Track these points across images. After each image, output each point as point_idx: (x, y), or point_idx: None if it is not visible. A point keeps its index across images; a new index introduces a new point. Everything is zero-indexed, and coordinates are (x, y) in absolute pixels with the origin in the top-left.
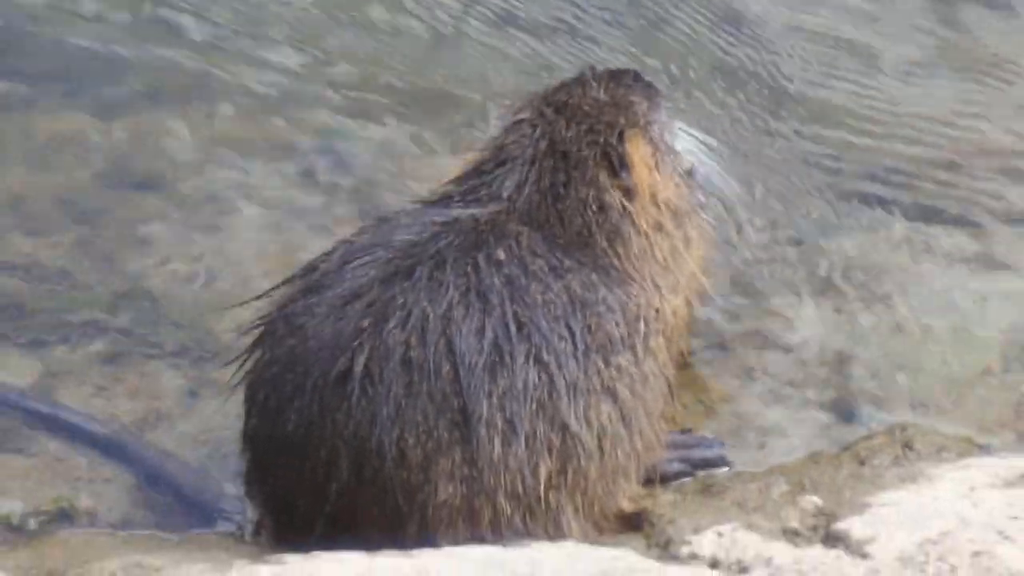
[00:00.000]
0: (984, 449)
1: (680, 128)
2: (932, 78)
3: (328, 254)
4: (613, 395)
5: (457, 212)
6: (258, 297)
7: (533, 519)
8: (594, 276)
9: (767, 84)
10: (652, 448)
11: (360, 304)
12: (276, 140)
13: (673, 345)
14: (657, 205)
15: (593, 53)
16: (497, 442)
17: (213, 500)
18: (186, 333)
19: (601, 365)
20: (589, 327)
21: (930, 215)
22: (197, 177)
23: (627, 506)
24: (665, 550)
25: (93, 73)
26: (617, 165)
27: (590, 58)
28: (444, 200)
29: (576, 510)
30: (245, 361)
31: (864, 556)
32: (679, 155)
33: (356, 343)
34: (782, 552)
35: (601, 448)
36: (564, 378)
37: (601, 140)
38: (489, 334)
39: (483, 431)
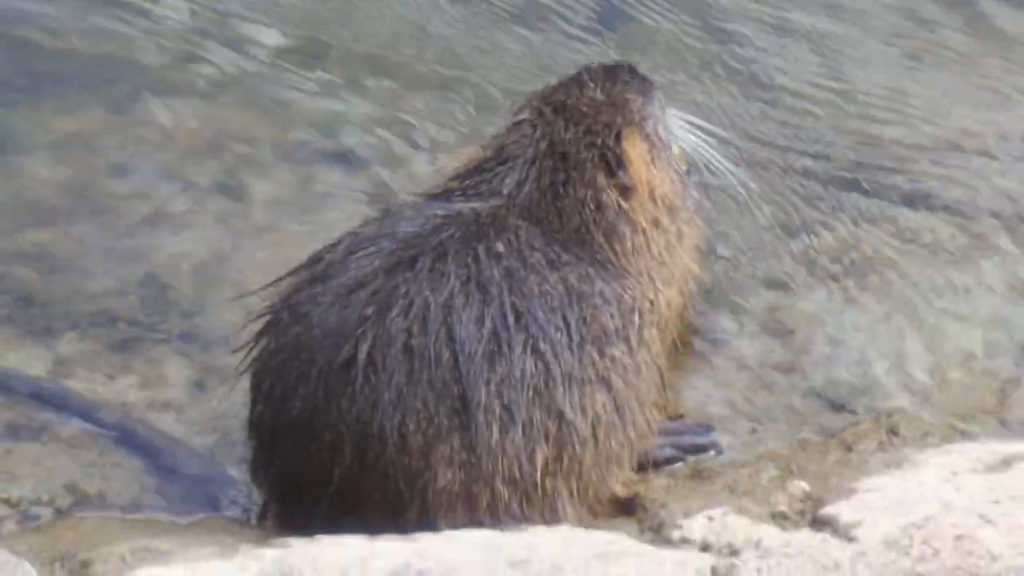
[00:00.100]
0: (967, 435)
1: (675, 115)
2: (918, 70)
3: (334, 245)
4: (607, 385)
5: (459, 206)
6: (264, 287)
7: (530, 504)
8: (590, 269)
9: (754, 76)
10: (645, 436)
11: (364, 293)
12: (282, 130)
13: (667, 336)
14: (654, 200)
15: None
16: (495, 429)
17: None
18: (194, 322)
19: (596, 356)
20: (585, 319)
21: (916, 204)
22: (204, 167)
23: (620, 491)
24: (657, 533)
25: (102, 67)
26: (614, 165)
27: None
28: (446, 194)
29: (571, 495)
30: (251, 349)
31: (850, 539)
32: (672, 149)
33: (360, 331)
34: (771, 535)
35: (595, 436)
36: (560, 367)
37: (599, 141)
38: (488, 324)
39: (482, 418)
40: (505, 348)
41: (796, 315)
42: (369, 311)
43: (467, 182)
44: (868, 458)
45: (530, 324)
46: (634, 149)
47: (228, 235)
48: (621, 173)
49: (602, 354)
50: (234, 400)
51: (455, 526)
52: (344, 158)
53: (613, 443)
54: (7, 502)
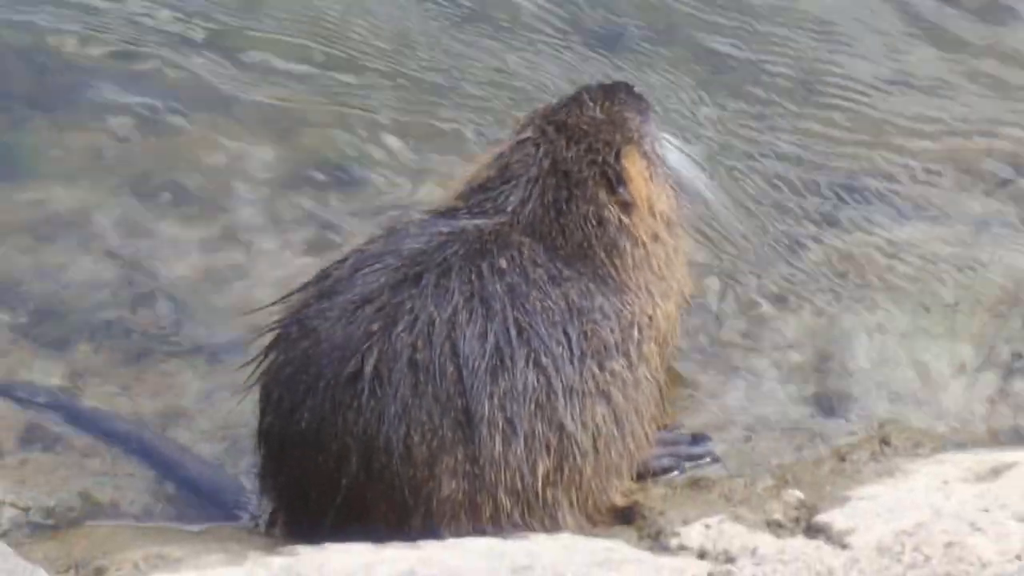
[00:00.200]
0: (957, 445)
1: (666, 139)
2: (917, 77)
3: (341, 261)
4: (607, 398)
5: (463, 223)
6: (274, 302)
7: (531, 514)
8: (591, 285)
9: (756, 80)
10: (643, 447)
11: (370, 309)
12: (295, 147)
13: (665, 350)
14: (654, 215)
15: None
16: (498, 441)
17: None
18: (205, 335)
19: (596, 370)
20: (585, 333)
21: (908, 215)
22: (217, 183)
23: (620, 501)
24: (656, 541)
25: (119, 84)
26: (615, 182)
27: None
28: (451, 212)
29: (572, 505)
30: (261, 362)
31: (844, 546)
32: (667, 165)
33: (366, 346)
34: (766, 543)
35: (596, 448)
36: (561, 381)
37: (600, 159)
38: (491, 338)
39: (485, 430)
40: (508, 362)
41: (790, 327)
42: (375, 326)
43: (472, 200)
44: (861, 467)
45: (532, 339)
46: (633, 166)
47: (241, 251)
48: (622, 190)
49: (602, 368)
50: (243, 411)
51: (459, 534)
52: (358, 180)
53: (613, 454)
54: (23, 510)
